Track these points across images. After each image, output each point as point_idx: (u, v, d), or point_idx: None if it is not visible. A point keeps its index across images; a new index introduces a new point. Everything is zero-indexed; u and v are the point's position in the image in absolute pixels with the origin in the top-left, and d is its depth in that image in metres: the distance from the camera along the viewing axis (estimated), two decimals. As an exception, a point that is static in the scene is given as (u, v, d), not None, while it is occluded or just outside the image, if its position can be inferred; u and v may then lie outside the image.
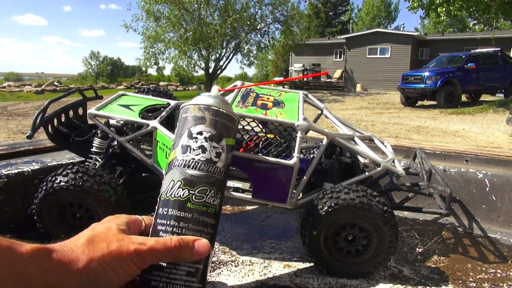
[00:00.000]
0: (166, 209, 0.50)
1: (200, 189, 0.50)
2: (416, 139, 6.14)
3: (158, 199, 0.52)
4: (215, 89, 0.62)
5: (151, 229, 0.50)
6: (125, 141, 1.43)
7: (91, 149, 1.56)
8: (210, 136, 0.53)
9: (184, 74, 22.46)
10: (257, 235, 1.58)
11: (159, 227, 0.49)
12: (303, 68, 22.99)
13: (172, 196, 0.50)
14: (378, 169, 1.36)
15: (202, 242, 0.48)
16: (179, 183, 0.50)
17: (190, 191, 0.50)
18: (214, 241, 0.52)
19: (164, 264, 0.47)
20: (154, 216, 0.52)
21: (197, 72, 22.68)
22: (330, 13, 37.94)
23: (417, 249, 1.51)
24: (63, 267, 0.41)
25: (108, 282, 0.43)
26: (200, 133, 0.53)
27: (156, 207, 0.51)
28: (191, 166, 0.51)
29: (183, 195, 0.50)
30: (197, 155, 0.52)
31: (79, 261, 0.42)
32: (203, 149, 0.52)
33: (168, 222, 0.49)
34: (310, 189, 1.43)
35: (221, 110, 0.57)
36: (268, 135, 1.51)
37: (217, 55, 21.31)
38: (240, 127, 1.60)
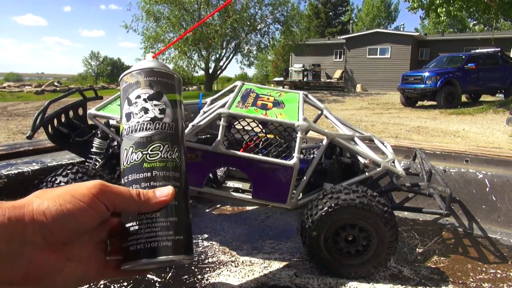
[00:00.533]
0: (126, 177, 0.50)
1: (153, 147, 0.50)
2: (416, 139, 6.15)
3: (120, 174, 0.52)
4: (149, 56, 0.64)
5: None
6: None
7: (91, 150, 1.57)
8: (149, 96, 0.54)
9: (184, 74, 22.45)
10: (257, 236, 1.58)
11: None
12: (303, 68, 22.99)
13: (128, 162, 0.50)
14: (378, 169, 1.36)
15: (163, 188, 0.49)
16: (131, 148, 0.50)
17: (143, 152, 0.50)
18: (184, 192, 0.52)
19: (137, 227, 0.46)
20: None
21: (197, 72, 22.68)
22: (330, 13, 37.95)
23: (417, 249, 1.51)
24: (15, 209, 0.39)
25: (73, 221, 0.41)
26: (138, 96, 0.54)
27: (120, 182, 0.51)
28: (138, 129, 0.51)
29: (137, 158, 0.50)
30: (140, 117, 0.52)
31: (32, 203, 0.40)
32: (144, 110, 0.53)
33: (131, 187, 0.49)
34: (310, 190, 1.43)
35: (153, 69, 0.58)
36: (268, 136, 1.51)
37: (217, 56, 21.33)
38: (240, 127, 1.61)
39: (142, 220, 0.47)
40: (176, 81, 0.59)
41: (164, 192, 0.48)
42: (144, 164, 0.49)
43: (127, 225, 0.47)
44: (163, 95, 0.55)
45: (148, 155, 0.50)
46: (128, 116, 0.53)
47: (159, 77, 0.57)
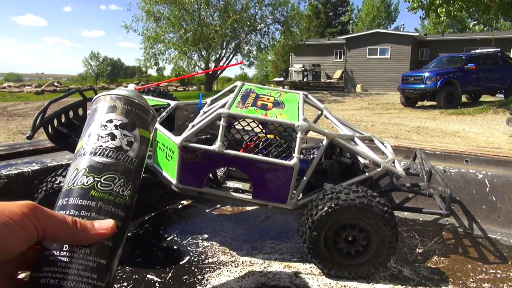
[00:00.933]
0: (67, 199, 0.44)
1: (107, 176, 0.46)
2: (416, 139, 6.15)
3: (59, 194, 0.46)
4: (131, 86, 0.61)
5: None
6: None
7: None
8: (121, 124, 0.50)
9: (184, 74, 22.46)
10: (257, 236, 1.58)
11: None
12: (303, 68, 23.00)
13: (75, 184, 0.45)
14: (378, 169, 1.36)
15: (104, 221, 0.43)
16: (84, 170, 0.45)
17: (95, 178, 0.45)
18: (124, 235, 0.46)
19: (58, 257, 0.40)
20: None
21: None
22: (330, 13, 37.96)
23: (417, 249, 1.51)
24: None
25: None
26: (110, 121, 0.50)
27: (56, 203, 0.45)
28: (98, 153, 0.47)
29: (86, 182, 0.45)
30: (105, 142, 0.48)
31: None
32: (112, 136, 0.49)
33: (68, 212, 0.43)
34: (310, 190, 1.43)
35: (134, 100, 0.53)
36: (268, 136, 1.51)
37: (217, 56, 21.34)
38: (240, 127, 1.60)
39: (67, 252, 0.41)
40: (150, 118, 0.55)
41: (104, 224, 0.42)
42: (92, 191, 0.44)
43: (46, 253, 0.41)
44: (135, 128, 0.51)
45: (99, 183, 0.45)
46: (92, 136, 0.48)
47: (136, 109, 0.53)
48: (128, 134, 0.50)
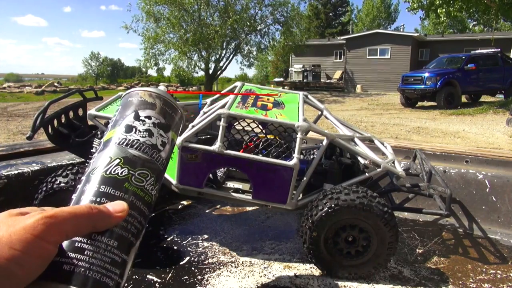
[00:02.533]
0: (98, 186, 0.43)
1: (141, 172, 0.45)
2: (416, 140, 6.15)
3: (83, 177, 0.45)
4: (163, 87, 0.62)
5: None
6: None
7: (91, 150, 1.57)
8: (159, 123, 0.50)
9: (184, 75, 22.46)
10: (257, 236, 1.58)
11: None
12: (303, 69, 23.01)
13: (107, 172, 0.44)
14: (378, 170, 1.36)
15: (116, 203, 0.41)
16: (118, 160, 0.45)
17: (130, 171, 0.44)
18: (140, 236, 0.46)
19: (85, 246, 0.39)
20: (75, 196, 0.44)
21: (197, 73, 22.69)
22: (330, 14, 37.98)
23: (417, 250, 1.51)
24: None
25: (6, 278, 0.32)
26: (149, 117, 0.50)
27: (80, 186, 0.44)
28: (135, 147, 0.46)
29: (121, 173, 0.44)
30: (142, 137, 0.48)
31: None
32: (149, 133, 0.49)
33: (98, 200, 0.42)
34: (310, 190, 1.43)
35: (171, 102, 0.54)
36: (268, 136, 1.51)
37: (217, 56, 21.33)
38: (240, 127, 1.60)
39: (95, 241, 0.39)
40: (182, 123, 0.56)
41: (118, 207, 0.41)
42: (126, 184, 0.44)
43: (75, 238, 0.39)
44: (170, 130, 0.52)
45: (134, 177, 0.44)
46: (129, 128, 0.48)
47: (173, 112, 0.54)
48: (163, 134, 0.50)
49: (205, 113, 1.52)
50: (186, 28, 18.98)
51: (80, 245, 0.39)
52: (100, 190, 0.43)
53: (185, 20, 19.07)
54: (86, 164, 1.58)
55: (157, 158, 0.48)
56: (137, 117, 0.51)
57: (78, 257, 0.38)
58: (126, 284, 1.19)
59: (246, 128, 1.60)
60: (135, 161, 0.46)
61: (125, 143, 0.48)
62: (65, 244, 0.39)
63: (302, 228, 1.24)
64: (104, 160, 0.45)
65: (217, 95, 1.79)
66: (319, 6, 37.25)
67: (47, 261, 0.35)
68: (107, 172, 0.44)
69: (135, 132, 0.49)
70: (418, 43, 21.97)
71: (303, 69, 22.97)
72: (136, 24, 21.61)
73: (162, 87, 0.60)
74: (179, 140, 1.25)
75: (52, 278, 0.36)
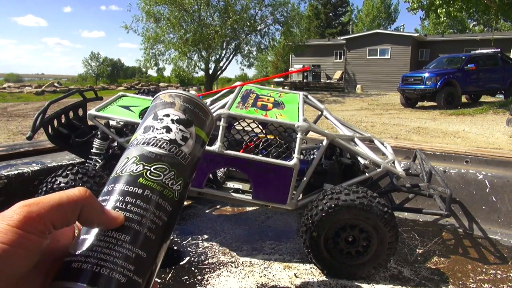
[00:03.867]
0: (113, 185, 0.42)
1: (158, 166, 0.45)
2: (416, 140, 6.15)
3: (106, 182, 0.45)
4: (193, 92, 0.61)
5: None
6: (125, 142, 1.43)
7: (91, 150, 1.56)
8: (178, 119, 0.50)
9: (184, 75, 22.46)
10: (257, 236, 1.58)
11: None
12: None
13: (123, 171, 0.43)
14: (378, 170, 1.36)
15: (112, 212, 0.39)
16: (134, 158, 0.44)
17: (145, 167, 0.44)
18: (169, 234, 0.45)
19: (94, 242, 0.38)
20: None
21: (197, 73, 22.70)
22: (330, 14, 37.98)
23: (417, 250, 1.51)
24: None
25: None
26: (167, 115, 0.50)
27: (101, 190, 0.44)
28: (151, 144, 0.46)
29: (136, 169, 0.43)
30: (160, 133, 0.47)
31: None
32: (167, 129, 0.48)
33: (111, 198, 0.41)
34: (310, 190, 1.43)
35: (193, 99, 0.54)
36: (268, 136, 1.51)
37: (217, 56, 21.33)
38: (240, 128, 1.60)
39: (105, 236, 0.39)
40: (209, 121, 0.55)
41: (115, 214, 0.39)
42: (140, 179, 0.43)
43: (82, 236, 0.39)
44: (192, 125, 0.50)
45: (149, 172, 0.44)
46: (147, 129, 0.48)
47: (195, 108, 0.53)
48: (184, 129, 0.49)
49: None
50: (186, 28, 18.98)
51: (89, 242, 0.38)
52: (115, 188, 0.42)
53: (185, 20, 19.07)
54: (86, 164, 1.58)
55: (177, 152, 0.47)
56: (155, 117, 0.51)
57: (86, 254, 0.37)
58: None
59: (246, 128, 1.60)
60: (151, 157, 0.45)
61: (142, 143, 0.47)
62: (75, 243, 0.38)
63: (302, 228, 1.24)
64: (122, 162, 0.45)
65: (218, 95, 1.79)
66: (319, 6, 37.26)
67: (34, 252, 0.34)
68: (122, 172, 0.44)
69: (152, 131, 0.49)
70: (418, 43, 21.98)
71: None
72: (136, 24, 21.62)
73: (192, 91, 0.60)
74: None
75: (61, 277, 0.36)
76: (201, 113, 0.53)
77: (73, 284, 0.35)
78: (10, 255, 0.31)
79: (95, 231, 0.39)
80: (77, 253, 0.37)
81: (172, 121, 0.49)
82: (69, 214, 0.36)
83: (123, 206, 0.41)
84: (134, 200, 0.42)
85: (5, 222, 0.32)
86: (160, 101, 0.52)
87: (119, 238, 0.39)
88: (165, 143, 0.47)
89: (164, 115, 0.50)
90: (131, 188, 0.42)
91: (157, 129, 0.48)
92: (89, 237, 0.39)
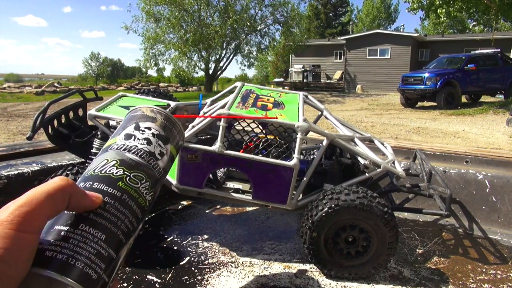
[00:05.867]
0: (91, 182, 0.43)
1: (136, 174, 0.46)
2: (416, 140, 6.15)
3: (79, 178, 0.46)
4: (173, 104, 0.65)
5: None
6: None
7: (91, 150, 1.56)
8: (158, 134, 0.53)
9: (184, 75, 22.48)
10: (257, 236, 1.58)
11: None
12: (303, 69, 23.01)
13: (102, 172, 0.45)
14: (378, 170, 1.36)
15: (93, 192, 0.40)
16: (114, 162, 0.46)
17: (126, 172, 0.46)
18: (133, 237, 0.46)
19: (71, 234, 0.38)
20: None
21: (197, 73, 22.73)
22: (330, 14, 37.99)
23: (417, 250, 1.51)
24: None
25: None
26: (149, 128, 0.53)
27: None
28: (132, 151, 0.48)
29: (116, 173, 0.45)
30: (141, 144, 0.50)
31: None
32: (148, 141, 0.51)
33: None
34: (310, 190, 1.43)
35: (172, 119, 0.57)
36: (268, 136, 1.51)
37: (217, 56, 21.35)
38: (240, 128, 1.61)
39: (82, 231, 0.39)
40: (180, 140, 0.59)
41: (95, 194, 0.40)
42: (120, 182, 0.45)
43: (60, 227, 0.39)
44: (168, 143, 0.54)
45: (128, 178, 0.46)
46: (128, 136, 0.51)
47: (173, 128, 0.57)
48: (162, 145, 0.52)
49: (205, 113, 1.52)
50: (186, 28, 18.99)
51: (66, 233, 0.38)
52: (94, 186, 0.43)
53: (185, 20, 19.08)
54: (86, 165, 1.58)
55: (154, 165, 0.50)
56: (137, 128, 0.54)
57: (62, 245, 0.37)
58: (126, 284, 1.19)
59: (246, 128, 1.60)
60: (131, 164, 0.47)
61: (123, 148, 0.50)
62: (50, 232, 0.38)
63: (302, 228, 1.24)
64: (100, 162, 0.47)
65: (218, 95, 1.79)
66: (319, 6, 37.26)
67: (33, 251, 0.34)
68: (102, 172, 0.45)
69: (134, 140, 0.52)
70: (418, 43, 21.98)
71: (303, 69, 22.96)
72: (136, 24, 21.59)
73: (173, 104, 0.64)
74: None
75: (35, 264, 0.35)
76: (176, 132, 0.57)
77: (43, 271, 0.35)
78: (13, 258, 0.31)
79: (70, 222, 0.39)
80: (52, 242, 0.37)
81: (153, 135, 0.52)
82: (59, 204, 0.37)
83: (102, 205, 0.42)
84: (112, 201, 0.43)
85: (6, 227, 0.32)
86: (141, 113, 0.55)
87: (95, 235, 0.39)
88: (145, 154, 0.49)
89: (145, 127, 0.53)
90: (110, 190, 0.43)
91: (138, 138, 0.51)
92: (64, 228, 0.39)
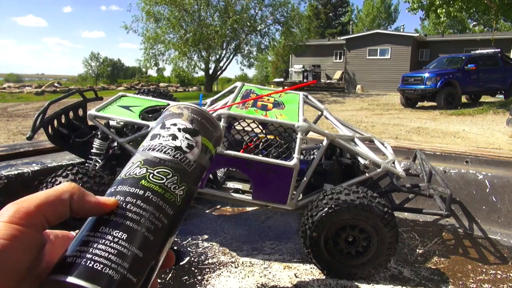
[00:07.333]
0: (115, 187, 0.44)
1: (161, 170, 0.46)
2: (416, 140, 6.14)
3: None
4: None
5: None
6: (125, 142, 1.43)
7: (91, 150, 1.56)
8: (185, 128, 0.51)
9: (184, 75, 22.48)
10: (257, 236, 1.58)
11: None
12: (303, 69, 23.01)
13: (126, 175, 0.45)
14: (378, 170, 1.36)
15: (106, 197, 0.40)
16: (139, 163, 0.46)
17: (149, 170, 0.45)
18: (170, 237, 0.45)
19: (91, 238, 0.39)
20: None
21: (197, 73, 22.73)
22: (330, 14, 37.99)
23: (418, 250, 1.51)
24: None
25: None
26: (174, 124, 0.51)
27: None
28: (156, 149, 0.48)
29: (139, 172, 0.45)
30: (165, 141, 0.49)
31: None
32: (173, 137, 0.50)
33: (115, 198, 0.42)
34: (310, 190, 1.43)
35: (201, 111, 0.56)
36: (268, 136, 1.51)
37: (217, 56, 21.35)
38: (240, 128, 1.60)
39: (101, 233, 0.40)
40: (216, 133, 0.57)
41: (105, 200, 0.41)
42: (142, 181, 0.44)
43: (79, 233, 0.40)
44: (198, 134, 0.53)
45: (151, 175, 0.45)
46: (154, 137, 0.50)
47: (202, 119, 0.55)
48: (190, 138, 0.51)
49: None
50: (186, 28, 18.99)
51: (86, 238, 0.39)
52: (117, 190, 0.43)
53: (185, 20, 19.08)
54: (86, 165, 1.58)
55: (182, 159, 0.49)
56: (163, 126, 0.53)
57: (81, 249, 0.38)
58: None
59: (246, 128, 1.60)
60: (155, 161, 0.46)
61: (147, 149, 0.50)
62: (74, 241, 0.39)
63: (302, 228, 1.24)
64: (127, 166, 0.47)
65: (218, 95, 1.79)
66: (319, 6, 37.26)
67: (29, 246, 0.34)
68: (126, 175, 0.45)
69: (158, 138, 0.51)
70: (418, 43, 21.97)
71: (303, 69, 22.96)
72: (136, 24, 21.60)
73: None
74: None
75: (54, 272, 0.36)
76: (209, 124, 0.55)
77: (64, 277, 0.35)
78: (6, 249, 0.32)
79: (91, 227, 0.40)
80: (74, 249, 0.37)
81: (179, 129, 0.51)
82: (59, 205, 0.37)
83: (123, 205, 0.41)
84: (134, 200, 0.42)
85: None
86: (168, 113, 0.55)
87: (115, 235, 0.39)
88: (170, 149, 0.48)
89: (171, 124, 0.52)
90: (132, 189, 0.43)
91: (163, 136, 0.50)
92: (85, 233, 0.39)
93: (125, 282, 0.38)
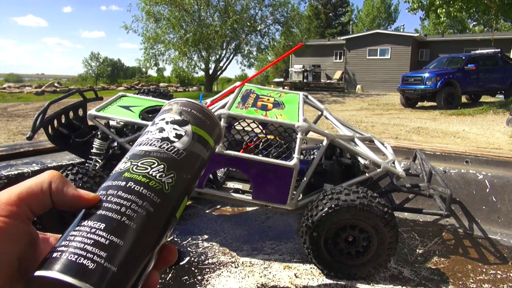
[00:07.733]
0: (104, 184, 0.44)
1: (145, 161, 0.46)
2: (416, 140, 6.14)
3: None
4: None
5: None
6: (125, 142, 1.43)
7: (91, 150, 1.56)
8: (173, 120, 0.51)
9: (184, 75, 22.48)
10: (257, 236, 1.58)
11: None
12: (303, 69, 23.01)
13: (114, 171, 0.45)
14: (378, 170, 1.36)
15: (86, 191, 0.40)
16: (125, 158, 0.46)
17: (133, 163, 0.45)
18: (159, 226, 0.44)
19: (74, 232, 0.38)
20: None
21: (197, 73, 22.72)
22: (330, 14, 37.98)
23: (418, 250, 1.51)
24: None
25: None
26: (163, 119, 0.52)
27: None
28: (143, 143, 0.48)
29: (123, 167, 0.44)
30: (152, 134, 0.49)
31: None
32: (160, 129, 0.50)
33: (98, 193, 0.42)
34: (310, 190, 1.43)
35: (190, 102, 0.55)
36: (268, 136, 1.52)
37: (217, 56, 21.34)
38: (240, 128, 1.61)
39: (80, 226, 0.39)
40: (211, 122, 0.56)
41: (84, 193, 0.40)
42: (125, 173, 0.44)
43: (67, 230, 0.39)
44: (188, 124, 0.54)
45: (135, 167, 0.44)
46: (144, 134, 0.50)
47: (193, 110, 0.55)
48: (178, 128, 0.50)
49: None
50: (186, 28, 18.99)
51: (68, 233, 0.39)
52: (102, 185, 0.43)
53: (185, 20, 19.08)
54: (86, 165, 1.58)
55: (169, 148, 0.48)
56: (153, 123, 0.54)
57: (62, 244, 0.37)
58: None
59: (246, 128, 1.60)
60: (140, 154, 0.47)
61: (135, 145, 0.50)
62: (59, 239, 0.39)
63: (302, 228, 1.24)
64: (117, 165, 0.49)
65: (218, 96, 1.79)
66: (319, 6, 37.26)
67: (15, 236, 0.34)
68: (113, 171, 0.45)
69: (147, 134, 0.52)
70: (418, 43, 21.97)
71: (303, 69, 22.96)
72: (136, 24, 21.58)
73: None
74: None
75: (38, 268, 0.36)
76: (201, 114, 0.55)
77: (45, 272, 0.35)
78: None
79: (75, 222, 0.39)
80: (55, 245, 0.37)
81: (166, 122, 0.51)
82: (39, 195, 0.36)
83: (105, 198, 0.41)
84: (115, 192, 0.42)
85: None
86: (161, 111, 0.55)
87: (92, 226, 0.39)
88: (156, 140, 0.48)
89: (160, 120, 0.53)
90: (115, 182, 0.43)
91: (151, 132, 0.51)
92: (69, 229, 0.39)
93: (103, 271, 0.37)
